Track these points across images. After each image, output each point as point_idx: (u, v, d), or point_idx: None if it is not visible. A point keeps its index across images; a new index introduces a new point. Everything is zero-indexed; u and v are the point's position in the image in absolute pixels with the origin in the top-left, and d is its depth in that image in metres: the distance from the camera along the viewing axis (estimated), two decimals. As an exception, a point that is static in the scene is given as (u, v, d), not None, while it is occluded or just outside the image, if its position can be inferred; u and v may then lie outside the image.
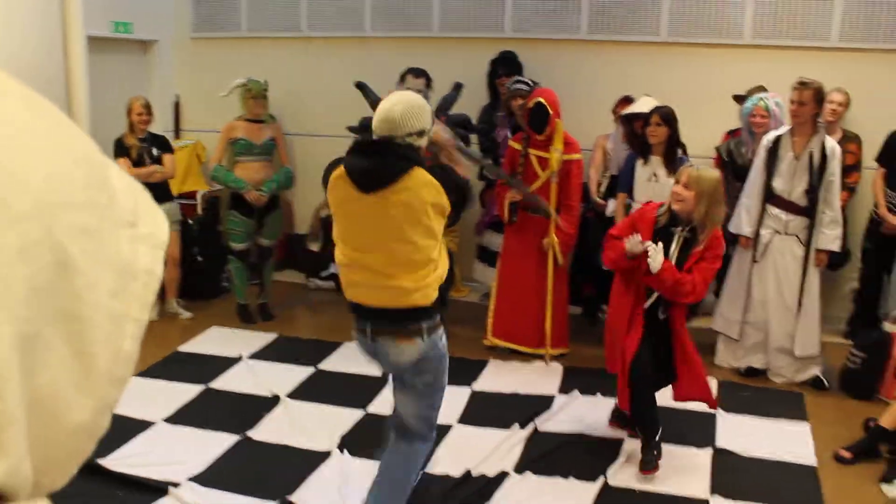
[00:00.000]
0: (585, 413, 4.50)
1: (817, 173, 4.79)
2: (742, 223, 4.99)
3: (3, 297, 0.43)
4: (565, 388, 4.84)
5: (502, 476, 3.80)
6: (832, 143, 4.85)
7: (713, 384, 4.87)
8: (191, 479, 3.64)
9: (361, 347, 3.16)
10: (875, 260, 5.53)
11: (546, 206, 4.97)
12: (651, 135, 4.86)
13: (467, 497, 3.61)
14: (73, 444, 0.51)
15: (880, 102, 5.67)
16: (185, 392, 4.61)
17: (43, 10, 5.61)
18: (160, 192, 5.51)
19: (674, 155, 4.95)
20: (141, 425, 4.14)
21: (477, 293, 6.35)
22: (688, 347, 3.89)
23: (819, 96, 4.71)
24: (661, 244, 3.70)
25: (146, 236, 0.55)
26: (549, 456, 4.01)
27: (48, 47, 5.61)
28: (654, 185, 4.96)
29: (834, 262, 5.23)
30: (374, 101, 5.61)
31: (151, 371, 4.82)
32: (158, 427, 4.18)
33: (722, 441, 4.19)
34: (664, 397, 4.01)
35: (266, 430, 4.21)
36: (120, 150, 5.54)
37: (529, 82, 5.48)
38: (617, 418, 4.26)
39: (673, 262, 3.73)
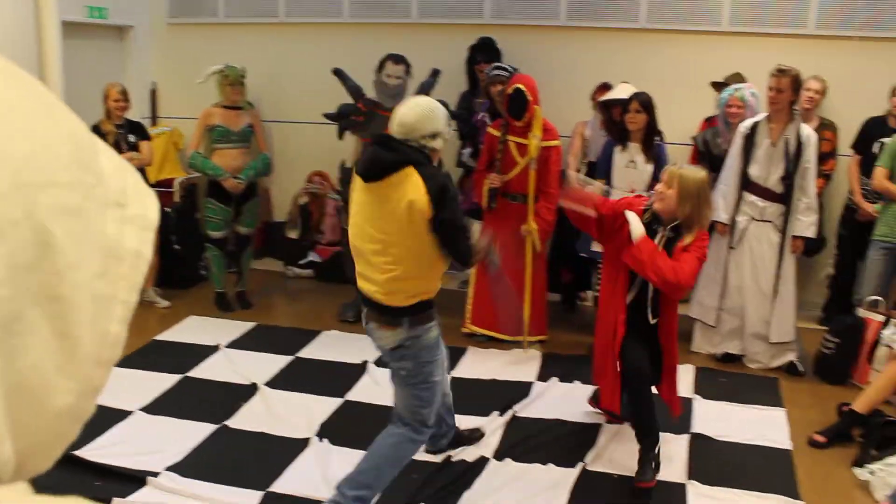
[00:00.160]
0: (564, 399, 4.52)
1: (793, 160, 4.83)
2: (718, 209, 5.02)
3: None
4: (543, 376, 4.86)
5: (482, 462, 3.82)
6: (808, 131, 4.89)
7: (690, 371, 4.93)
8: (169, 469, 3.63)
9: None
10: (850, 246, 5.59)
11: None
12: (630, 122, 4.87)
13: (447, 483, 3.62)
14: (58, 427, 0.51)
15: (856, 90, 5.72)
16: (163, 381, 4.58)
17: (15, -5, 5.53)
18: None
19: (652, 142, 4.97)
20: (118, 415, 4.11)
21: (455, 280, 6.36)
22: (674, 359, 3.81)
23: (796, 84, 4.75)
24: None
25: (135, 217, 0.54)
26: (528, 442, 4.02)
27: (21, 32, 5.53)
28: (631, 171, 4.98)
29: (810, 248, 5.27)
30: (351, 88, 5.59)
31: (128, 360, 4.78)
32: (136, 416, 4.16)
33: (699, 427, 4.23)
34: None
35: (244, 419, 4.20)
36: (96, 136, 5.48)
37: (509, 68, 5.47)
38: (598, 403, 4.21)
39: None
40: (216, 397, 4.44)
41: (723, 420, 4.32)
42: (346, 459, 3.75)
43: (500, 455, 3.89)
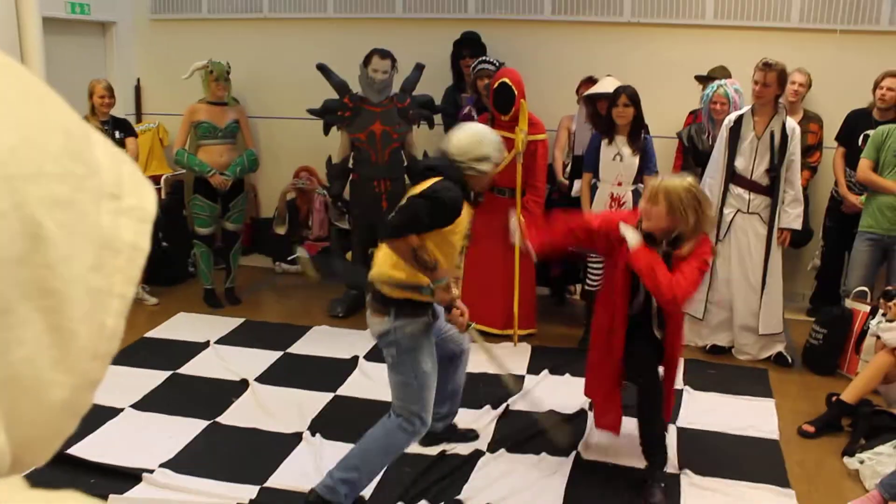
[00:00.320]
0: (555, 392, 4.53)
1: (779, 153, 4.85)
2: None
3: None
4: (534, 368, 4.87)
5: (476, 455, 3.83)
6: (792, 124, 4.92)
7: (679, 363, 4.95)
8: (163, 465, 3.61)
9: None
10: (836, 238, 5.63)
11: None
12: (619, 116, 4.88)
13: (442, 477, 3.63)
14: (54, 421, 0.50)
15: (841, 82, 5.76)
16: (153, 378, 4.56)
17: (-3, -9, 5.47)
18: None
19: (638, 134, 4.98)
20: (109, 412, 4.09)
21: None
22: (673, 375, 3.71)
23: (783, 78, 4.78)
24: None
25: (131, 209, 0.53)
26: (520, 434, 4.03)
27: (1, 28, 5.48)
28: (618, 164, 4.99)
29: (796, 240, 5.31)
30: (336, 84, 5.57)
31: (118, 357, 4.62)
32: (126, 414, 4.14)
33: (689, 418, 4.25)
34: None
35: (236, 415, 4.19)
36: (90, 126, 5.44)
37: (495, 62, 5.47)
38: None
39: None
40: (207, 394, 4.43)
41: (712, 411, 4.35)
42: (339, 454, 3.72)
43: (493, 447, 3.90)
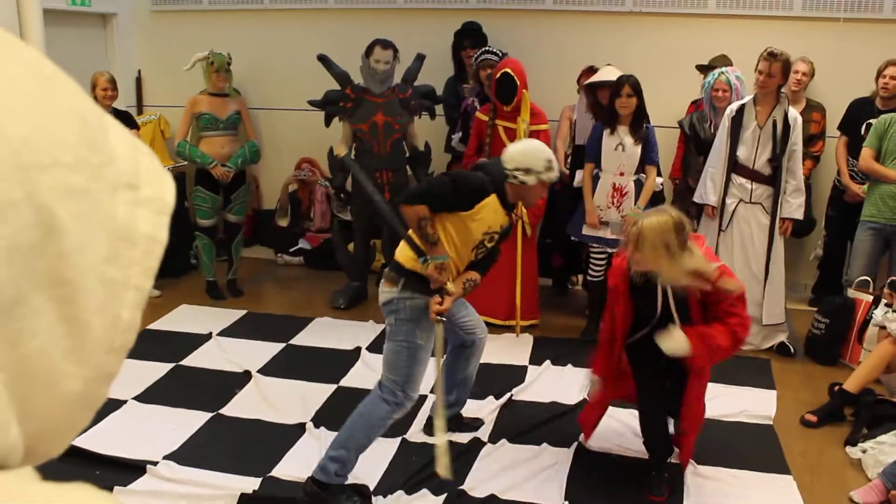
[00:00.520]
0: (557, 382, 4.54)
1: (781, 142, 4.84)
2: (708, 192, 5.04)
3: None
4: (536, 359, 4.87)
5: (478, 445, 3.84)
6: (794, 113, 4.91)
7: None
8: (166, 457, 3.62)
9: None
10: (839, 227, 5.63)
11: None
12: (622, 106, 4.86)
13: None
14: (67, 413, 0.50)
15: (844, 71, 5.74)
16: (156, 370, 4.56)
17: (-3, -17, 5.46)
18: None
19: (640, 124, 4.97)
20: (112, 404, 4.10)
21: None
22: (696, 386, 3.46)
23: (787, 68, 4.76)
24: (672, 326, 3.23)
25: (149, 200, 0.52)
26: (522, 425, 4.05)
27: (2, 20, 5.46)
28: (620, 154, 4.98)
29: (798, 230, 5.30)
30: (337, 74, 5.56)
31: None
32: (130, 406, 4.14)
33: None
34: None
35: (239, 407, 4.20)
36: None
37: (498, 52, 5.46)
38: None
39: (676, 315, 3.28)
40: (210, 385, 4.43)
41: (715, 401, 4.32)
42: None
43: (494, 438, 3.90)
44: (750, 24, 5.91)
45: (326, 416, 4.06)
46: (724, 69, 5.29)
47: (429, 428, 3.90)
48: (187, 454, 3.69)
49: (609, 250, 5.14)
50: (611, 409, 4.12)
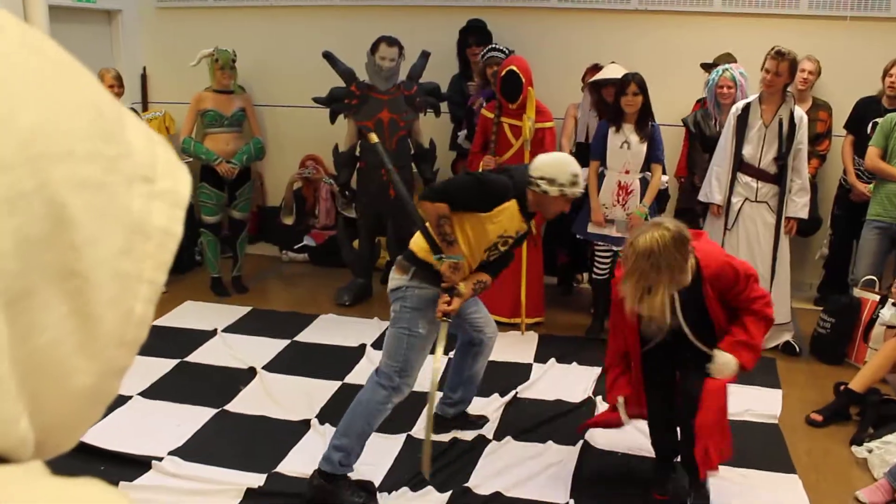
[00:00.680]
0: (562, 380, 4.54)
1: (786, 141, 4.83)
2: (713, 191, 5.02)
3: None
4: (541, 357, 4.87)
5: (483, 442, 3.84)
6: (800, 112, 4.89)
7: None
8: (172, 453, 3.62)
9: None
10: (845, 226, 5.61)
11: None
12: (628, 104, 4.85)
13: (450, 462, 3.65)
14: (78, 407, 0.49)
15: (850, 70, 5.72)
16: (161, 366, 4.56)
17: (3, -21, 5.46)
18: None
19: (646, 122, 4.96)
20: (117, 400, 4.10)
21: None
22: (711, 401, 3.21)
23: (794, 67, 4.75)
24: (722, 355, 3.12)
25: (164, 193, 0.51)
26: (527, 422, 4.05)
27: (9, 17, 5.47)
28: (626, 152, 4.97)
29: (804, 229, 5.29)
30: (343, 72, 5.55)
31: None
32: (135, 401, 4.15)
33: (697, 406, 4.24)
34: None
35: (244, 403, 4.20)
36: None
37: (505, 50, 5.46)
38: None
39: (683, 322, 3.14)
40: (215, 381, 4.43)
41: (720, 399, 4.33)
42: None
43: (499, 435, 3.90)
44: (756, 22, 5.90)
45: (331, 413, 4.05)
46: (727, 66, 5.28)
47: (436, 425, 3.90)
48: (192, 450, 3.69)
49: (614, 248, 5.13)
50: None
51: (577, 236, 5.32)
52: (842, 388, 4.28)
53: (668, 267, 2.85)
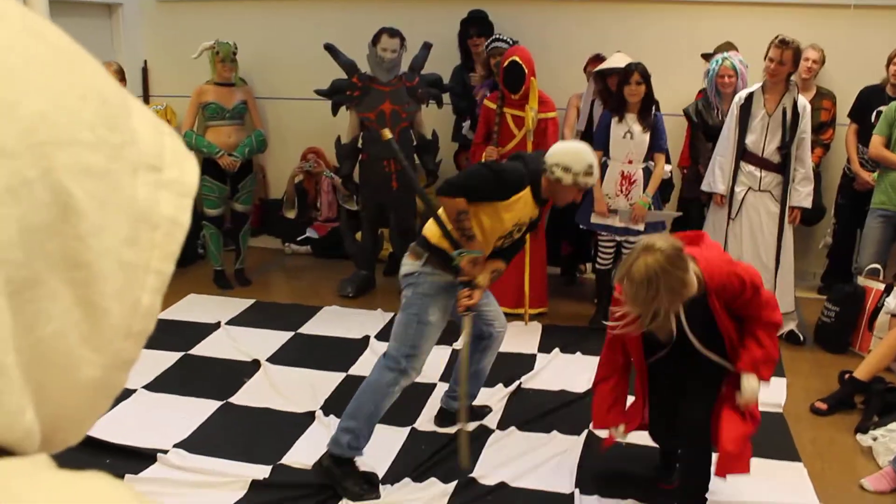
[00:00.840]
0: (566, 370, 4.53)
1: (790, 130, 4.81)
2: (716, 181, 5.01)
3: None
4: (545, 347, 4.87)
5: (487, 433, 3.84)
6: (803, 101, 4.88)
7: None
8: (177, 446, 3.63)
9: None
10: (849, 215, 5.60)
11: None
12: (631, 94, 4.84)
13: (453, 452, 3.63)
14: (85, 399, 0.49)
15: (855, 59, 5.69)
16: (165, 359, 4.57)
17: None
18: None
19: (649, 112, 4.95)
20: (121, 393, 4.08)
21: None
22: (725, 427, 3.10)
23: (798, 56, 4.73)
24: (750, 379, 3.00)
25: (171, 182, 0.51)
26: (531, 412, 4.05)
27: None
28: (629, 142, 4.96)
29: (808, 218, 5.28)
30: (344, 63, 5.54)
31: None
32: (139, 395, 4.15)
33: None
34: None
35: (248, 395, 4.20)
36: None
37: (509, 40, 5.44)
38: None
39: (691, 334, 2.99)
40: (219, 374, 4.44)
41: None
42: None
43: (503, 425, 3.90)
44: (760, 11, 5.87)
45: (335, 405, 4.05)
46: (726, 54, 5.26)
47: (439, 418, 3.90)
48: (197, 442, 3.69)
49: (617, 238, 5.13)
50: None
51: (581, 226, 5.31)
52: (846, 376, 4.28)
53: (670, 289, 2.70)
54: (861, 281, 4.98)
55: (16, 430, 0.44)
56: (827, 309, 4.98)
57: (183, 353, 4.68)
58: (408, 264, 3.41)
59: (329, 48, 5.54)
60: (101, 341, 0.47)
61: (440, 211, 3.35)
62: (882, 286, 4.83)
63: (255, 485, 3.35)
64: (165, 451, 3.56)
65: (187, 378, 4.39)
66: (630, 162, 4.99)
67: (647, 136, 4.95)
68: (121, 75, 5.55)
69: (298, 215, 6.71)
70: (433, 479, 3.42)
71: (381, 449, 3.60)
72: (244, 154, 5.76)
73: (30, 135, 0.42)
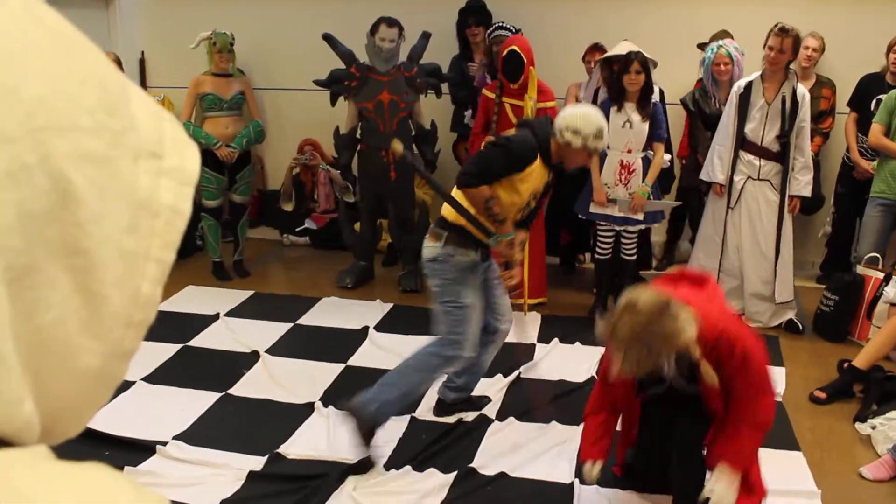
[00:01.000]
0: (565, 361, 4.54)
1: (789, 119, 4.80)
2: (715, 170, 5.00)
3: None
4: (544, 337, 4.86)
5: (486, 423, 3.84)
6: (802, 89, 4.87)
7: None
8: (176, 438, 3.63)
9: None
10: (848, 204, 5.59)
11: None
12: (631, 82, 4.82)
13: (452, 442, 3.66)
14: (85, 389, 0.48)
15: (854, 47, 5.68)
16: (164, 351, 4.56)
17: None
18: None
19: (648, 101, 4.94)
20: (121, 385, 4.08)
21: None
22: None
23: (797, 44, 4.73)
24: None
25: (172, 170, 0.50)
26: (529, 403, 4.05)
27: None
28: (628, 131, 4.95)
29: (808, 207, 5.27)
30: (343, 53, 5.52)
31: None
32: (138, 387, 4.15)
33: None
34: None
35: (247, 387, 4.20)
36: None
37: (512, 28, 5.43)
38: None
39: (681, 379, 2.74)
40: (218, 366, 4.43)
41: (724, 378, 4.33)
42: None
43: (502, 416, 3.90)
44: (758, -1, 5.85)
45: (335, 396, 4.05)
46: (721, 42, 5.25)
47: (438, 408, 3.90)
48: (196, 434, 3.69)
49: (616, 228, 5.12)
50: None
51: (580, 216, 5.30)
52: (845, 365, 4.28)
53: (660, 344, 2.50)
54: (860, 270, 4.98)
55: (15, 420, 0.43)
56: (826, 298, 4.98)
57: (182, 345, 4.68)
58: (429, 247, 3.44)
59: (327, 38, 5.52)
60: (102, 329, 0.47)
61: (463, 200, 3.38)
62: (881, 275, 4.83)
63: (254, 476, 3.35)
64: (165, 443, 3.57)
65: (186, 370, 4.39)
66: (629, 151, 4.98)
67: (646, 126, 4.94)
68: (118, 66, 5.51)
69: (296, 208, 6.70)
70: (433, 470, 3.42)
71: (382, 437, 3.61)
72: (242, 145, 5.74)
73: (29, 120, 0.42)
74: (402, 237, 5.74)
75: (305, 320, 5.14)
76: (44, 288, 0.43)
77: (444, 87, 5.90)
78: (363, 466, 3.39)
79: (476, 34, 5.86)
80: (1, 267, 0.41)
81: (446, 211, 3.45)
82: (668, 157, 5.18)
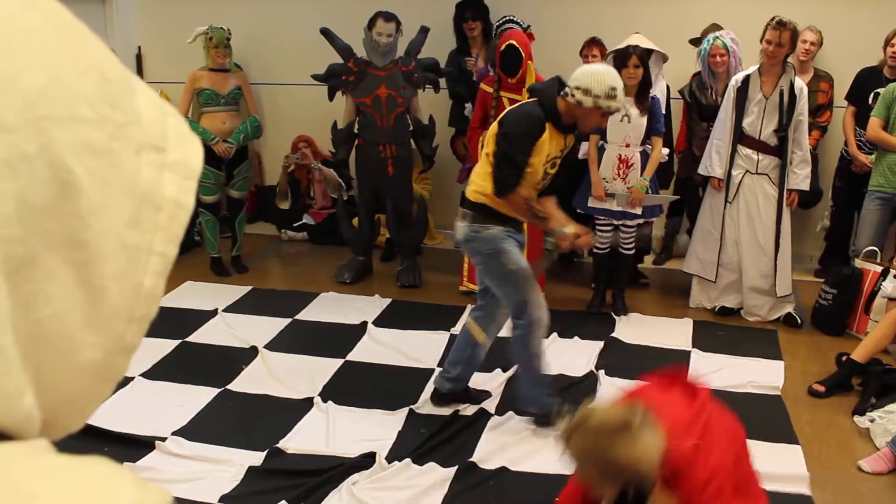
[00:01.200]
0: (563, 355, 4.53)
1: (787, 113, 4.80)
2: (713, 164, 5.00)
3: None
4: (543, 332, 4.86)
5: (485, 417, 3.84)
6: (800, 83, 4.86)
7: (688, 324, 4.96)
8: (175, 433, 3.63)
9: None
10: (846, 198, 5.60)
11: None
12: (629, 77, 4.81)
13: (452, 436, 3.67)
14: (86, 384, 0.48)
15: (852, 41, 5.67)
16: (162, 347, 4.56)
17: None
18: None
19: (646, 95, 4.93)
20: (119, 381, 4.09)
21: (451, 240, 6.34)
22: None
23: (795, 37, 4.72)
24: None
25: (175, 163, 0.50)
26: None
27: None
28: (626, 125, 4.94)
29: (805, 201, 5.27)
30: (340, 48, 5.51)
31: None
32: (137, 382, 4.14)
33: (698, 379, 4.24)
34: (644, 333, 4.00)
35: (246, 382, 4.20)
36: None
37: (520, 22, 5.42)
38: None
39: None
40: (216, 361, 4.43)
41: (722, 372, 4.34)
42: (351, 418, 3.79)
43: (501, 410, 3.90)
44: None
45: (334, 391, 4.06)
46: (717, 34, 5.25)
47: (435, 397, 3.90)
48: (196, 430, 3.69)
49: (615, 222, 5.12)
50: (611, 378, 4.14)
51: (578, 210, 5.29)
52: (844, 358, 4.29)
53: (615, 467, 2.21)
54: (858, 263, 4.98)
55: (15, 414, 0.43)
56: (824, 292, 4.98)
57: (180, 341, 4.67)
58: (459, 228, 3.56)
59: (325, 33, 5.51)
60: (102, 323, 0.47)
61: (506, 210, 3.45)
62: (879, 269, 4.83)
63: (253, 471, 3.35)
64: (164, 439, 3.56)
65: (185, 365, 4.38)
66: (627, 145, 4.98)
67: (644, 120, 4.93)
68: (115, 61, 5.51)
69: (292, 205, 6.69)
70: (433, 464, 3.42)
71: (381, 432, 3.61)
72: (239, 140, 5.73)
73: (30, 109, 0.41)
74: (400, 232, 5.74)
75: (304, 316, 5.13)
76: (44, 280, 0.43)
77: (443, 81, 5.89)
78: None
79: (473, 28, 5.85)
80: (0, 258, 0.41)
81: (468, 191, 3.53)
82: (665, 151, 5.17)
